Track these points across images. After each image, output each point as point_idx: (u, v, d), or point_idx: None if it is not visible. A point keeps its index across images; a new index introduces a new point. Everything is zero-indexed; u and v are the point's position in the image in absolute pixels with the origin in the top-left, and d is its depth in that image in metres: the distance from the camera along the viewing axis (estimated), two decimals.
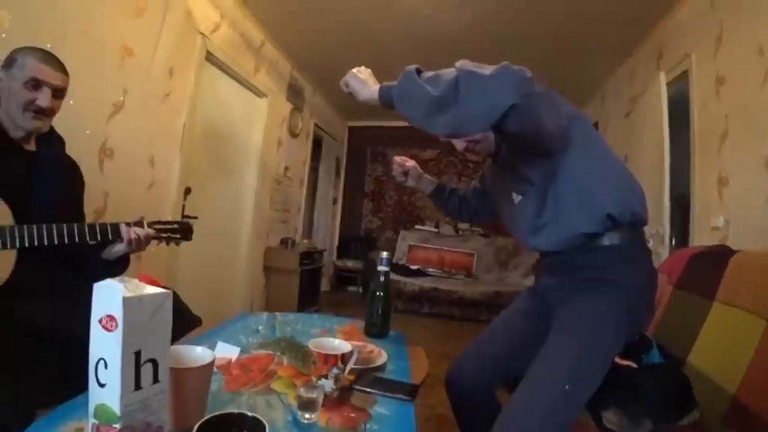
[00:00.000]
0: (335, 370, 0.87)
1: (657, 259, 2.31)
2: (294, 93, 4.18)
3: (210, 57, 2.88)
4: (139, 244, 1.36)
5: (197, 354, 0.79)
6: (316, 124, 4.86)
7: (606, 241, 1.01)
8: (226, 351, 1.15)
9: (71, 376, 0.79)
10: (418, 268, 4.93)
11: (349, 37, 3.48)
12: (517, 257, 5.05)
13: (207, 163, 3.08)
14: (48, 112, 1.21)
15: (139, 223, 1.37)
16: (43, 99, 1.18)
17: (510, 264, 5.08)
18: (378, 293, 1.40)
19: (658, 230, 2.36)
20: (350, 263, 5.62)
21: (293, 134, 4.24)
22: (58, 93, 1.24)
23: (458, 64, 0.86)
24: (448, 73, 0.85)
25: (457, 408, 1.21)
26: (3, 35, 1.58)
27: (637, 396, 1.14)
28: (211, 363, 0.76)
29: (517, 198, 1.11)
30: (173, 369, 0.68)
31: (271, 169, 3.87)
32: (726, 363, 1.22)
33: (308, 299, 4.03)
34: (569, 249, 1.05)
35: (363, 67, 1.08)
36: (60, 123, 1.35)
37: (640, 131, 2.91)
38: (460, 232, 5.44)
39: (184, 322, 1.41)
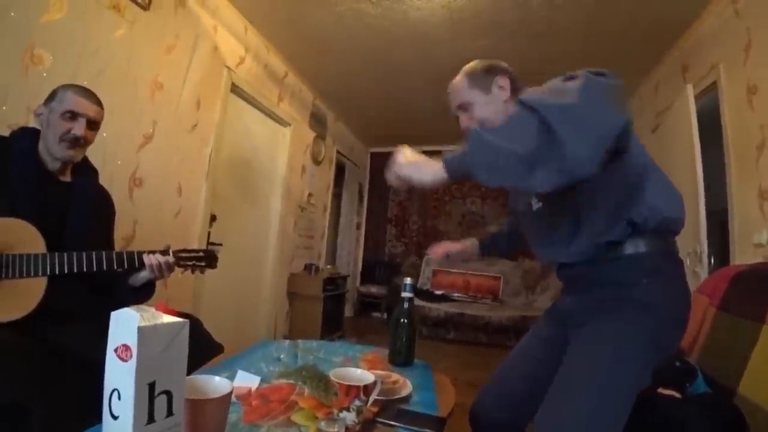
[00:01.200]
0: (357, 402, 0.83)
1: (695, 279, 2.18)
2: (317, 121, 4.27)
3: (235, 89, 2.98)
4: (161, 270, 1.38)
5: (215, 384, 0.77)
6: (338, 151, 4.93)
7: (629, 248, 0.88)
8: (247, 380, 1.12)
9: (97, 404, 0.78)
10: (443, 293, 4.83)
11: (368, 65, 3.56)
12: (545, 280, 4.89)
13: (232, 190, 3.15)
14: (82, 142, 1.28)
15: (165, 251, 1.39)
16: (78, 128, 1.24)
17: (537, 288, 4.92)
18: (402, 320, 1.36)
19: (696, 248, 2.24)
20: (374, 289, 5.57)
21: (316, 161, 4.31)
22: (93, 124, 1.30)
23: (529, 100, 0.73)
24: (521, 118, 0.72)
25: None
26: (45, 74, 1.69)
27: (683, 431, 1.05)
28: (229, 394, 0.74)
29: (536, 205, 1.02)
30: (189, 400, 0.66)
31: (295, 195, 3.92)
32: None
33: (332, 325, 3.99)
34: (587, 260, 0.93)
35: (403, 148, 0.95)
36: (94, 154, 1.42)
37: (668, 146, 2.81)
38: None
39: (206, 350, 1.41)
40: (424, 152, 0.91)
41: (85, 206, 1.34)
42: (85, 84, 1.36)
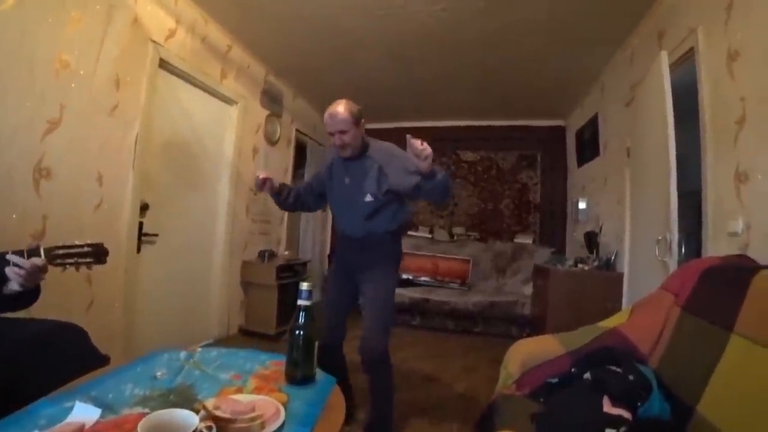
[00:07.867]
0: None
1: (664, 270, 1.97)
2: (270, 98, 3.94)
3: (165, 65, 2.66)
4: (29, 278, 1.16)
5: None
6: (298, 130, 4.59)
7: (386, 236, 1.89)
8: (83, 414, 0.90)
9: None
10: (408, 278, 4.58)
11: (319, 35, 3.23)
12: (516, 262, 4.64)
13: (170, 176, 2.86)
14: None
15: (33, 251, 1.18)
16: None
17: (508, 270, 4.67)
18: (297, 333, 1.12)
19: (666, 236, 1.99)
20: None
21: (271, 142, 4.00)
22: None
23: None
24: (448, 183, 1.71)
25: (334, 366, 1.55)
26: None
27: None
28: None
29: (369, 198, 1.85)
30: None
31: (247, 179, 3.61)
32: (748, 418, 0.91)
33: (289, 314, 3.76)
34: (367, 236, 1.89)
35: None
36: None
37: (642, 120, 2.57)
38: (455, 238, 5.06)
39: (86, 361, 1.24)
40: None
41: None
42: None
